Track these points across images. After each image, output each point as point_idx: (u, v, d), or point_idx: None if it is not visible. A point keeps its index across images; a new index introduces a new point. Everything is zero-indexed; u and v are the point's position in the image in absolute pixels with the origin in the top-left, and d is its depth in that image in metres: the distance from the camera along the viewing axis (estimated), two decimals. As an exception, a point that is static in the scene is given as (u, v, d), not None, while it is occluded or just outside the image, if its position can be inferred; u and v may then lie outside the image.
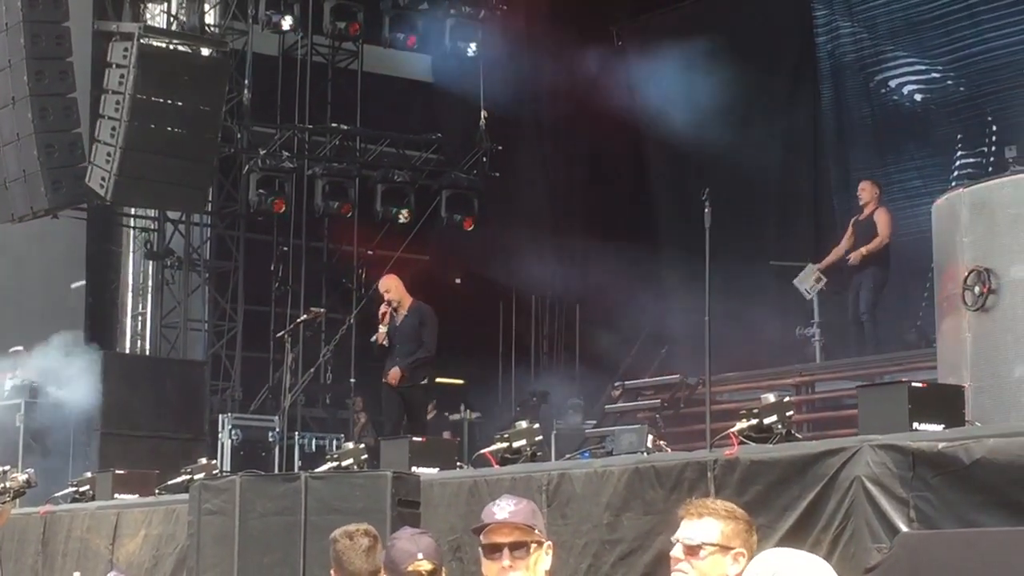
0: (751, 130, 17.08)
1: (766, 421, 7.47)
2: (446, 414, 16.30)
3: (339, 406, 17.14)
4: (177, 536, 10.26)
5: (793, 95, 17.12)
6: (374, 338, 12.49)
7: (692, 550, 3.83)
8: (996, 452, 5.89)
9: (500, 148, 18.09)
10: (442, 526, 8.23)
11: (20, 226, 16.44)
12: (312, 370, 16.69)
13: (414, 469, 9.01)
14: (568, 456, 9.60)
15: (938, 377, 8.52)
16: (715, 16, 17.81)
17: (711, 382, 9.61)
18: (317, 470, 9.75)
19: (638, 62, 18.54)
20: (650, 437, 8.19)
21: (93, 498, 12.20)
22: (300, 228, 17.58)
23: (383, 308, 12.46)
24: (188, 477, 11.03)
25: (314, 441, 15.67)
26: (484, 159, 18.01)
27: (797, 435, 7.85)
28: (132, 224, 17.90)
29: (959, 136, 15.39)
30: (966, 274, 7.91)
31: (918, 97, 16.05)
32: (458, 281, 18.08)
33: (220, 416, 15.60)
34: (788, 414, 7.58)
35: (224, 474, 10.89)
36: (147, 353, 17.42)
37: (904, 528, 6.15)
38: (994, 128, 14.79)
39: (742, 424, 7.47)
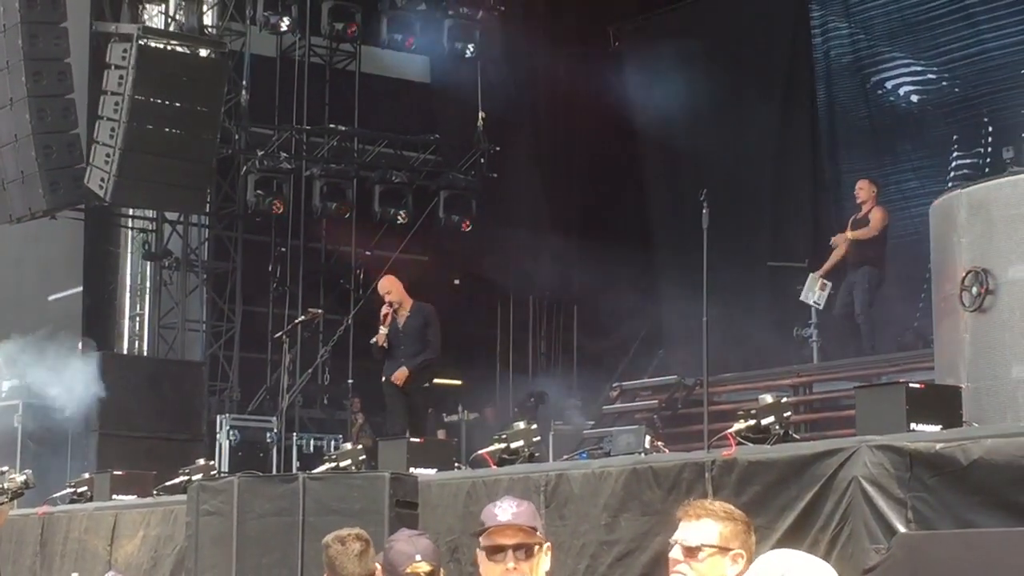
0: (748, 131, 17.10)
1: (764, 422, 7.48)
2: (443, 415, 16.30)
3: (337, 407, 17.14)
4: (175, 537, 10.26)
5: (789, 96, 17.13)
6: (374, 340, 12.47)
7: (691, 551, 3.82)
8: (994, 453, 5.90)
9: (498, 149, 18.11)
10: (440, 527, 8.23)
11: (18, 227, 16.45)
12: (310, 371, 16.72)
13: (412, 470, 9.02)
14: (566, 457, 9.61)
15: (936, 378, 8.52)
16: (711, 17, 17.82)
17: (709, 383, 9.63)
18: (315, 471, 9.75)
19: (634, 63, 18.56)
20: (648, 438, 8.19)
21: (91, 499, 12.20)
22: (298, 229, 17.57)
23: (384, 310, 12.42)
24: (186, 478, 11.03)
25: (312, 442, 15.67)
26: (482, 160, 18.02)
27: (795, 436, 7.87)
28: (130, 225, 17.90)
29: (955, 137, 15.41)
30: (964, 275, 7.91)
31: (914, 98, 16.07)
32: (457, 282, 18.08)
33: (218, 417, 15.61)
34: (786, 415, 7.59)
35: (222, 475, 10.91)
36: (145, 354, 17.41)
37: (902, 529, 6.16)
38: (990, 129, 14.80)
39: (740, 425, 7.48)
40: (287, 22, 16.83)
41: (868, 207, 13.50)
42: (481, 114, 17.95)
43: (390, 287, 12.57)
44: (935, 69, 15.75)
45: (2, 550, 12.36)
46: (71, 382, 14.93)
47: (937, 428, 6.66)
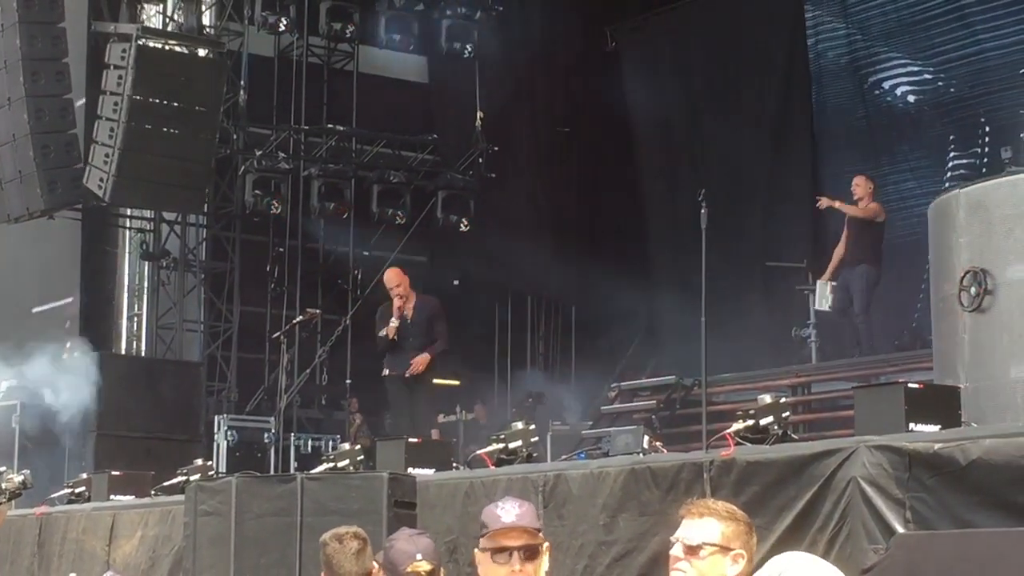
0: (745, 131, 17.11)
1: (762, 422, 7.48)
2: (440, 415, 16.28)
3: (335, 407, 17.14)
4: (173, 537, 10.25)
5: (787, 96, 17.13)
6: (384, 332, 12.31)
7: (692, 550, 3.83)
8: (992, 453, 5.90)
9: (496, 149, 18.11)
10: (438, 527, 8.22)
11: (16, 227, 16.44)
12: (308, 371, 16.72)
13: (410, 470, 9.01)
14: (564, 457, 9.61)
15: (934, 378, 8.53)
16: (708, 18, 17.83)
17: (707, 383, 9.62)
18: (313, 471, 9.73)
19: (632, 63, 18.58)
20: (646, 438, 8.19)
21: (89, 499, 12.19)
22: (296, 229, 17.57)
23: (397, 303, 12.36)
24: (184, 478, 11.01)
25: (310, 442, 15.66)
26: (480, 160, 18.03)
27: (793, 436, 7.87)
28: (128, 225, 17.89)
29: (951, 137, 15.43)
30: (962, 275, 7.92)
31: (911, 98, 16.08)
32: (456, 283, 18.07)
33: (216, 417, 15.60)
34: (784, 415, 7.59)
35: (220, 475, 10.91)
36: (143, 354, 17.41)
37: (900, 529, 6.16)
38: (987, 129, 14.82)
39: (738, 425, 7.48)
40: (285, 22, 16.83)
41: (865, 203, 13.52)
42: (479, 114, 17.96)
43: (399, 280, 12.49)
44: (932, 69, 15.76)
45: (0, 551, 12.35)
46: (69, 382, 14.93)
47: (936, 428, 6.66)
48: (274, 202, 16.64)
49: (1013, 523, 5.78)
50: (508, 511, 4.06)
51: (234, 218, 17.37)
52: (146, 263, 17.60)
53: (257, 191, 16.61)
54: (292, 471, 13.64)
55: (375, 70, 18.45)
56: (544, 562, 4.11)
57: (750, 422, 7.48)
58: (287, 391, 14.67)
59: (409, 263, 17.05)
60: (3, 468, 6.82)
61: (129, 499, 11.67)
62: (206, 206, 17.04)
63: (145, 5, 17.02)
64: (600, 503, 7.58)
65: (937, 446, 6.13)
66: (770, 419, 7.49)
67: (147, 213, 17.40)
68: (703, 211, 8.80)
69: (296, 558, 7.82)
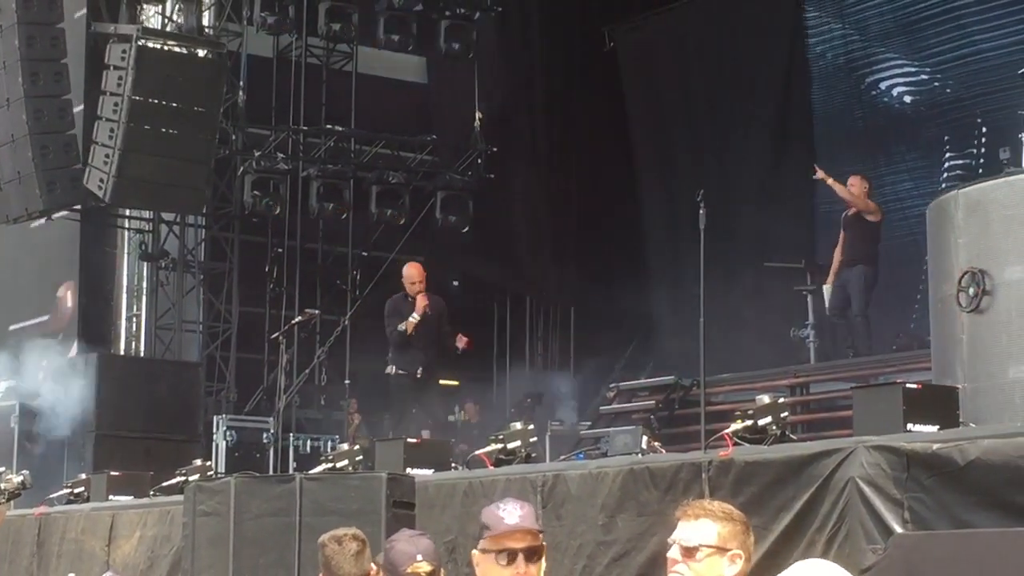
0: (743, 132, 17.12)
1: (761, 422, 7.49)
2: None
3: (334, 407, 17.11)
4: (172, 537, 10.26)
5: (784, 97, 17.14)
6: (403, 326, 12.31)
7: (689, 551, 3.83)
8: (990, 453, 5.92)
9: (494, 149, 18.11)
10: (437, 528, 8.24)
11: (14, 227, 16.45)
12: (307, 371, 16.71)
13: (409, 470, 9.02)
14: (563, 457, 9.62)
15: (933, 378, 8.54)
16: (706, 18, 17.84)
17: (706, 383, 9.63)
18: (312, 471, 9.75)
19: (629, 64, 18.59)
20: (645, 438, 8.21)
21: (88, 499, 12.20)
22: (295, 229, 17.56)
23: (421, 300, 12.36)
24: (183, 479, 11.03)
25: (309, 442, 15.64)
26: (479, 160, 18.02)
27: (792, 436, 7.88)
28: (126, 226, 17.89)
29: (947, 137, 15.44)
30: (960, 275, 7.93)
31: (908, 99, 16.09)
32: (456, 283, 18.07)
33: (215, 417, 15.58)
34: (783, 415, 7.61)
35: (219, 475, 10.91)
36: (141, 354, 17.41)
37: (898, 529, 6.17)
38: (983, 130, 14.82)
39: (737, 425, 7.50)
40: (284, 22, 16.83)
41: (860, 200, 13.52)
42: (478, 115, 17.95)
43: (421, 276, 12.51)
44: (928, 70, 15.77)
45: (-1, 551, 12.37)
46: (68, 383, 14.94)
47: (934, 428, 6.67)
48: (273, 203, 16.64)
49: (1011, 523, 5.79)
50: (511, 513, 4.01)
51: (233, 218, 17.36)
52: (145, 264, 17.60)
53: (256, 191, 16.60)
54: (291, 471, 13.65)
55: (374, 71, 18.44)
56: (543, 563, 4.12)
57: (748, 422, 7.50)
58: (286, 391, 14.65)
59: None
60: (2, 468, 6.83)
61: (128, 499, 11.68)
62: (205, 206, 17.04)
63: (144, 6, 17.02)
64: (599, 503, 7.60)
65: (935, 446, 6.14)
66: (768, 419, 7.50)
67: (146, 214, 17.40)
68: (701, 211, 8.81)
69: (295, 558, 7.83)
